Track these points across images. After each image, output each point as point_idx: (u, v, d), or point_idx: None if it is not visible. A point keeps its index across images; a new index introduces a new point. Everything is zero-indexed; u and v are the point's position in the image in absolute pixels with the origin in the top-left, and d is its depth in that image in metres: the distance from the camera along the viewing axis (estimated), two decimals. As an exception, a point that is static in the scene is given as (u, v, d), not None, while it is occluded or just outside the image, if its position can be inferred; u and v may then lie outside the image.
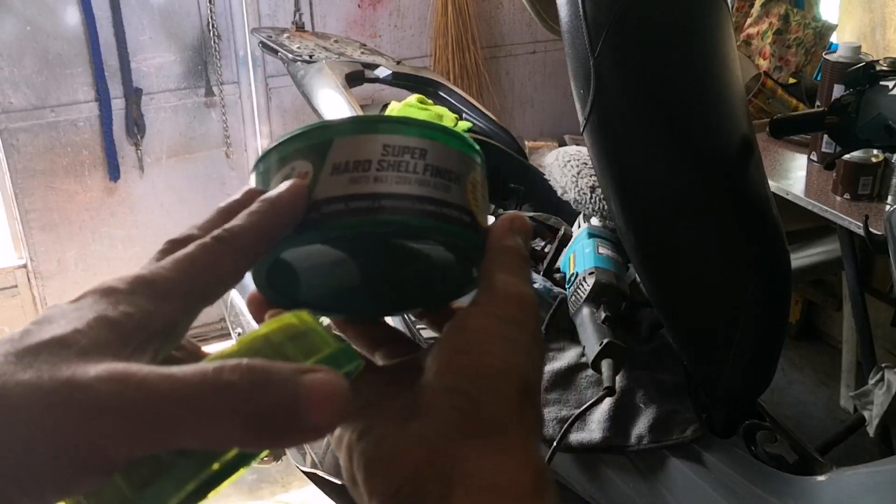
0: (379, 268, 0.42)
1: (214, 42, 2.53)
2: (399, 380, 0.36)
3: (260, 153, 0.35)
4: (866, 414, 1.64)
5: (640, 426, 0.97)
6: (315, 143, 0.35)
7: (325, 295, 0.41)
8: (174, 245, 0.32)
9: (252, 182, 0.37)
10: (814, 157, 1.95)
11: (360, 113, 1.53)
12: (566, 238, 1.20)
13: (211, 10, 2.50)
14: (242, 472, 0.31)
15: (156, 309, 0.29)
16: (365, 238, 0.36)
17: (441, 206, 0.34)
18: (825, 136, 1.85)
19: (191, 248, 0.32)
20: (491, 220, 0.37)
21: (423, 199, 0.34)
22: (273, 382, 0.27)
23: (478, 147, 0.38)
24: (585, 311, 1.00)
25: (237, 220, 0.33)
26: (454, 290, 0.41)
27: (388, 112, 1.63)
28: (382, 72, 1.76)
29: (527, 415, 0.33)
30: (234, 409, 0.26)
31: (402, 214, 0.34)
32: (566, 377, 1.03)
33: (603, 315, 0.98)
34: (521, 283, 0.35)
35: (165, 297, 0.30)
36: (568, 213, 1.27)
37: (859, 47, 1.82)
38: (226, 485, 0.30)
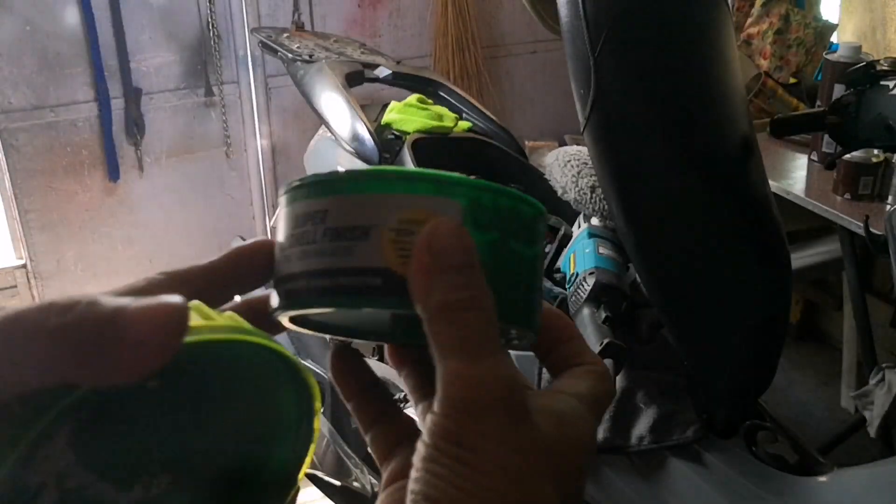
0: (367, 321, 0.37)
1: (214, 42, 2.53)
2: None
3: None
4: (867, 414, 1.64)
5: (641, 426, 0.97)
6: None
7: (337, 325, 0.37)
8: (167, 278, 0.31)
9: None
10: (814, 157, 1.95)
11: (359, 113, 1.52)
12: (566, 238, 1.20)
13: (210, 10, 2.50)
14: None
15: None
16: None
17: (336, 277, 0.29)
18: (826, 136, 1.84)
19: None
20: None
21: (315, 275, 0.29)
22: (90, 301, 0.24)
23: (429, 173, 0.30)
24: (586, 311, 0.99)
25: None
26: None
27: (387, 111, 1.62)
28: (382, 72, 1.76)
29: None
30: (41, 324, 0.23)
31: (298, 298, 0.30)
32: (566, 377, 1.03)
33: (603, 315, 0.98)
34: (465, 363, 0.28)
35: None
36: (568, 213, 1.27)
37: (860, 47, 1.82)
38: None
